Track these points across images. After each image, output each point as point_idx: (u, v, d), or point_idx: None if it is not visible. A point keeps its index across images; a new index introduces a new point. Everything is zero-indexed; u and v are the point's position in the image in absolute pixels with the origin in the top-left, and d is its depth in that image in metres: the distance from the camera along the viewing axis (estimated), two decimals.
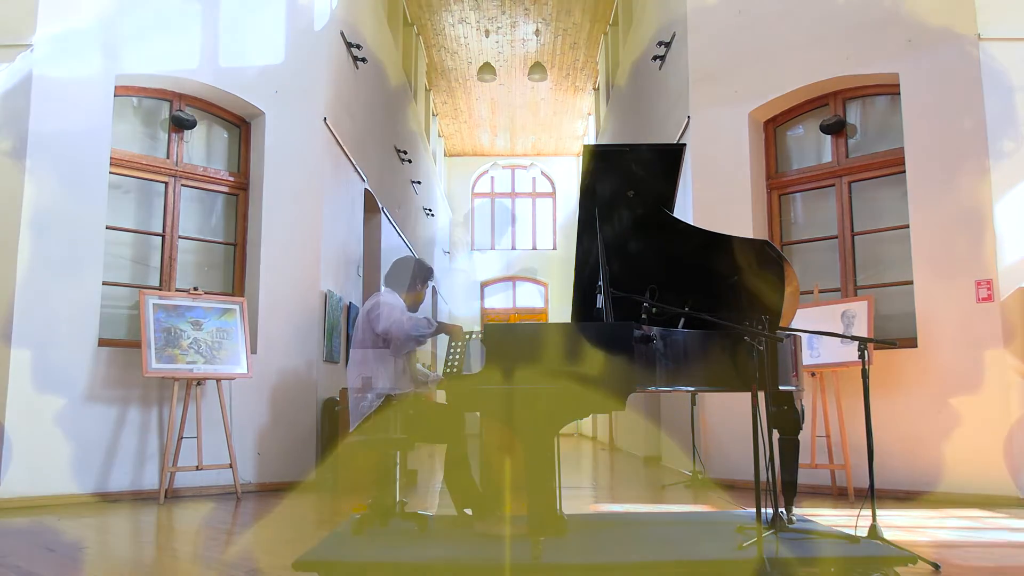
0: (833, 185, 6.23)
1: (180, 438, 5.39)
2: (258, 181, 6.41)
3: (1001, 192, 5.22)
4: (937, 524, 4.25)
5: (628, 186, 3.66)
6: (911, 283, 5.59)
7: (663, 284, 3.75)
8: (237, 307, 5.82)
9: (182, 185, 6.14)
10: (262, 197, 6.35)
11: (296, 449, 6.17)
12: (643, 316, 3.27)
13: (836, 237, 6.18)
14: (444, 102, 15.20)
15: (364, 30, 8.31)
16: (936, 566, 3.04)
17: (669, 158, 3.71)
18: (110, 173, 5.61)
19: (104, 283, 5.53)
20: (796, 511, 3.91)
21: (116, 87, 5.67)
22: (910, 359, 5.45)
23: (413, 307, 4.30)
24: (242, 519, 4.64)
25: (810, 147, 6.51)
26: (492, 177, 18.81)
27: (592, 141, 14.81)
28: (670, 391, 5.15)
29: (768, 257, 3.70)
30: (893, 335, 5.74)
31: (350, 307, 7.51)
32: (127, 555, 3.73)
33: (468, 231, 18.11)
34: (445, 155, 17.75)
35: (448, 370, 4.09)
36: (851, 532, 3.43)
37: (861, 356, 3.42)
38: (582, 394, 3.11)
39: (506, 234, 18.47)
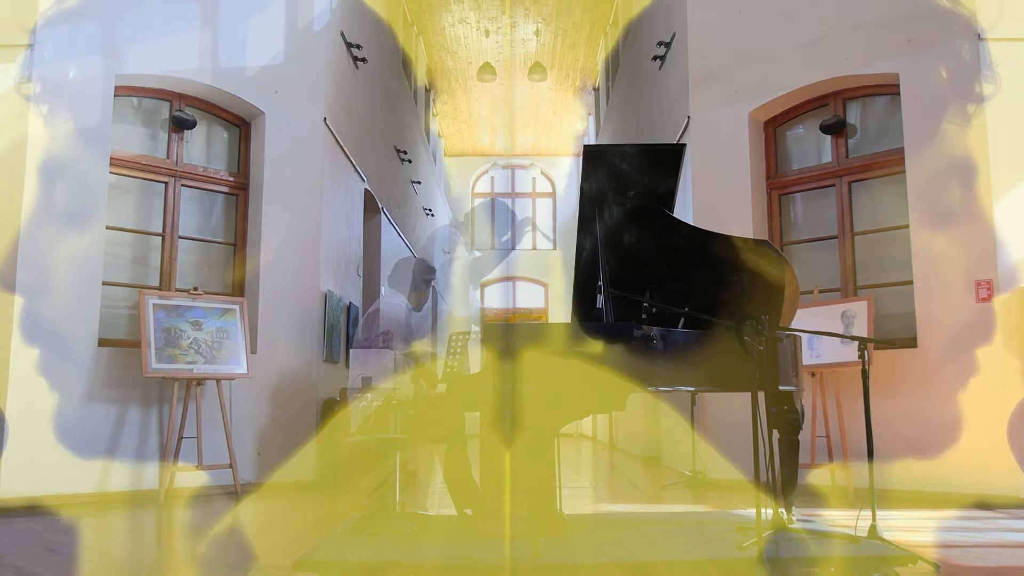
0: (833, 185, 6.23)
1: (180, 438, 5.39)
2: (258, 181, 6.41)
3: (1001, 192, 5.22)
4: (937, 524, 4.24)
5: (628, 186, 3.66)
6: (911, 283, 5.59)
7: (663, 284, 3.75)
8: (237, 307, 5.82)
9: (182, 185, 6.14)
10: (262, 197, 6.35)
11: (296, 449, 6.17)
12: (643, 316, 3.28)
13: (836, 237, 6.18)
14: (444, 102, 15.20)
15: (364, 30, 8.31)
16: (936, 566, 3.04)
17: (669, 158, 3.72)
18: (110, 173, 5.61)
19: (104, 283, 5.53)
20: (796, 511, 3.91)
21: (116, 87, 5.67)
22: (910, 359, 5.44)
23: (418, 306, 4.31)
24: (242, 519, 4.64)
25: (810, 147, 6.51)
26: (492, 177, 18.81)
27: (592, 141, 14.80)
28: (670, 391, 5.15)
29: (768, 257, 3.70)
30: (893, 335, 5.74)
31: (350, 307, 7.51)
32: (127, 555, 3.73)
33: (468, 230, 18.09)
34: (445, 155, 17.75)
35: (448, 370, 4.09)
36: (851, 532, 3.43)
37: (861, 356, 3.41)
38: (582, 394, 3.11)
39: (506, 234, 18.48)
